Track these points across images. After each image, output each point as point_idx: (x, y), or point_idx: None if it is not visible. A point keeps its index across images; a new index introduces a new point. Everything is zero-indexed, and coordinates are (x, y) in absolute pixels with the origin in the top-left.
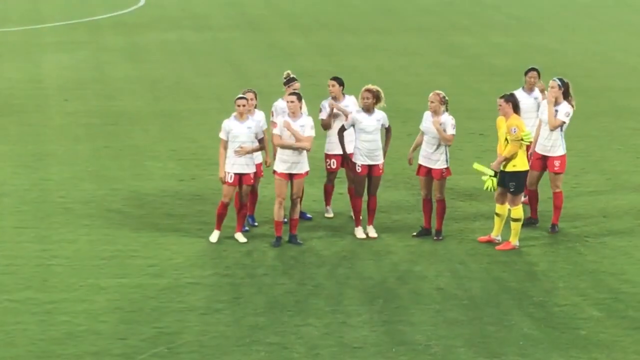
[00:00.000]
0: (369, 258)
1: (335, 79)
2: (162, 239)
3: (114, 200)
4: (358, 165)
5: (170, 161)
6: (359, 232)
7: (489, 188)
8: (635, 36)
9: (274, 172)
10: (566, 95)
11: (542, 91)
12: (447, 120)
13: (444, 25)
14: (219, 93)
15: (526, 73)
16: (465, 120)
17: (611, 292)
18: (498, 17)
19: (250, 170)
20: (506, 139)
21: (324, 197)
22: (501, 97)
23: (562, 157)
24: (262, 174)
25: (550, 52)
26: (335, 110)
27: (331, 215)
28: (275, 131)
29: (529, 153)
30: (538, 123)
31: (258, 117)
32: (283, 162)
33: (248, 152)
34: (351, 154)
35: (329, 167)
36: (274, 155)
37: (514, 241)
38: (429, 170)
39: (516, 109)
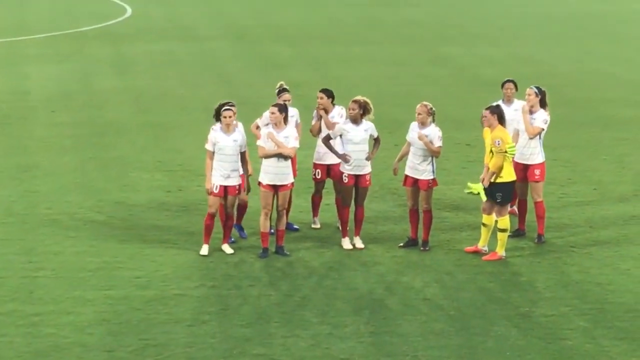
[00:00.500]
0: (356, 269)
1: (324, 91)
2: (148, 250)
3: (100, 211)
4: (345, 175)
5: (157, 172)
6: (346, 243)
7: (471, 192)
8: (622, 46)
9: (259, 183)
10: (543, 104)
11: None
12: (434, 132)
13: (431, 36)
14: (205, 104)
15: (503, 85)
16: (452, 131)
17: (598, 303)
18: (485, 28)
19: (236, 182)
20: (491, 151)
21: (311, 208)
22: (486, 109)
23: (541, 165)
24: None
25: (536, 63)
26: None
27: (318, 226)
28: (259, 142)
29: None
30: (514, 133)
31: (242, 130)
32: (267, 174)
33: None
34: (339, 164)
35: (314, 176)
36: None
37: (501, 252)
38: (415, 181)
39: (501, 120)
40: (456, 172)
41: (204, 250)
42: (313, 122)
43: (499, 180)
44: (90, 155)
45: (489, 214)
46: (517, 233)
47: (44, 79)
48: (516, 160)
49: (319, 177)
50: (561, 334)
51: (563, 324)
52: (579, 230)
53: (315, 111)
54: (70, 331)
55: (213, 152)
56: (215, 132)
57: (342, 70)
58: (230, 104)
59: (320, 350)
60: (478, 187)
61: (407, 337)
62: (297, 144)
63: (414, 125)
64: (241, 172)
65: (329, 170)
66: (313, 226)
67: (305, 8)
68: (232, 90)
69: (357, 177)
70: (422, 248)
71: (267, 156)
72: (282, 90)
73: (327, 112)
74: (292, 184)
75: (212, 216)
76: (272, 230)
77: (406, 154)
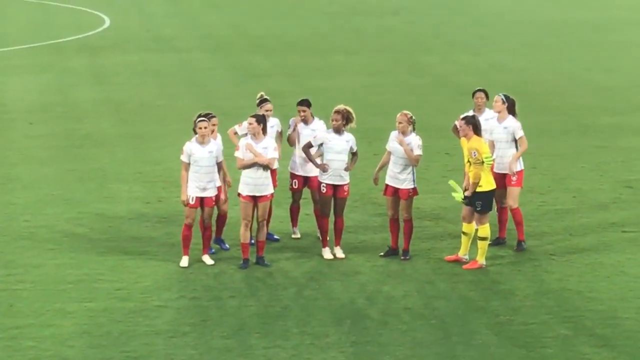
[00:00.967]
0: (337, 279)
1: (304, 103)
2: (128, 262)
3: (80, 223)
4: (323, 185)
5: (137, 184)
6: (326, 253)
7: (453, 190)
8: (600, 54)
9: (239, 194)
10: (512, 111)
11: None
12: (415, 140)
13: (409, 45)
14: (184, 115)
15: (473, 94)
16: (431, 140)
17: (578, 310)
18: (463, 36)
19: (212, 193)
20: (469, 161)
21: (290, 218)
22: (462, 119)
23: (519, 173)
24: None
25: (516, 71)
26: (299, 128)
27: (298, 236)
28: (237, 154)
29: None
30: (489, 143)
31: (219, 141)
32: (247, 185)
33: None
34: (316, 176)
35: (291, 186)
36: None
37: (481, 260)
38: (396, 190)
39: (476, 130)
40: (436, 181)
41: (184, 261)
42: (289, 132)
43: (478, 189)
44: (69, 167)
45: (469, 222)
46: (498, 241)
47: (22, 91)
48: (495, 170)
49: (295, 186)
50: (542, 342)
51: (543, 332)
52: (558, 238)
53: (292, 121)
54: (51, 344)
55: (188, 164)
56: (191, 144)
57: (321, 80)
58: (210, 115)
59: None
60: (456, 187)
61: (388, 346)
62: (276, 155)
63: (394, 135)
64: (218, 183)
65: (306, 180)
66: (293, 236)
67: (283, 18)
68: (210, 101)
69: (335, 188)
70: (402, 257)
71: (245, 167)
72: (263, 101)
73: (307, 123)
74: (272, 194)
75: (189, 227)
76: (252, 241)
77: (386, 163)
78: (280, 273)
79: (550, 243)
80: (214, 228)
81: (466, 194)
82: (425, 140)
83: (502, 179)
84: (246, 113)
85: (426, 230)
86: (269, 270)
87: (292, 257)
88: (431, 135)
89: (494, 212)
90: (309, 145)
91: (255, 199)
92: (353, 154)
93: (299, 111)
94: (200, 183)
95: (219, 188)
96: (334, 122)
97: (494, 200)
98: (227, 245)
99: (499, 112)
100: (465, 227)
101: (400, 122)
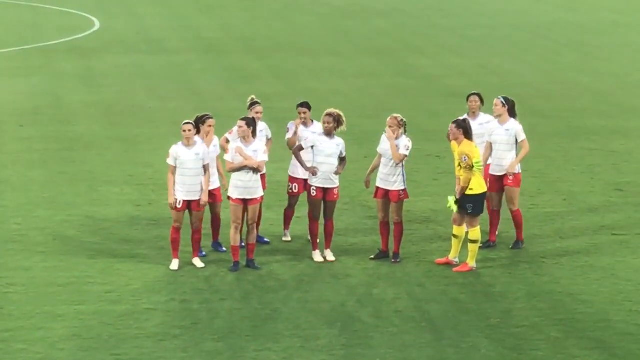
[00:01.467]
0: (327, 281)
1: (305, 105)
2: (119, 265)
3: (70, 226)
4: (313, 189)
5: (127, 186)
6: (317, 256)
7: (450, 207)
8: (589, 56)
9: (229, 197)
10: (512, 114)
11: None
12: (402, 141)
13: (398, 47)
14: (175, 117)
15: (468, 98)
16: (421, 142)
17: (569, 313)
18: (452, 38)
19: (199, 196)
20: (459, 164)
21: (283, 221)
22: (453, 122)
23: (517, 175)
24: (221, 199)
25: (505, 73)
26: (299, 131)
27: (289, 239)
28: (226, 157)
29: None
30: (486, 145)
31: (216, 142)
32: (236, 188)
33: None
34: (307, 179)
35: (290, 190)
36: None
37: (472, 263)
38: (386, 193)
39: (467, 134)
40: (426, 184)
41: (174, 265)
42: (290, 136)
43: (469, 192)
44: (59, 170)
45: (460, 225)
46: (488, 244)
47: (12, 93)
48: (491, 172)
49: (295, 190)
50: (532, 344)
51: (534, 334)
52: (549, 240)
53: (292, 124)
54: (42, 347)
55: (175, 167)
56: (177, 147)
57: (311, 82)
58: (206, 116)
59: None
60: (450, 201)
61: (379, 349)
62: (266, 158)
63: (384, 137)
64: (215, 185)
65: (306, 184)
66: (284, 239)
67: (273, 20)
68: (201, 103)
69: (325, 191)
70: (393, 260)
71: (234, 170)
72: (253, 104)
73: (307, 125)
74: (262, 197)
75: (177, 230)
76: (243, 244)
77: (377, 166)
78: (270, 276)
79: (541, 246)
80: (210, 231)
81: (456, 195)
82: (415, 142)
83: (499, 181)
84: (236, 115)
85: (417, 233)
86: (260, 273)
87: (283, 260)
88: (421, 137)
89: (484, 215)
90: (299, 148)
91: (245, 202)
92: (341, 159)
93: (300, 113)
94: (186, 186)
95: (217, 190)
96: (326, 125)
97: (485, 203)
98: (224, 248)
99: (499, 115)
100: (455, 229)
101: (390, 126)
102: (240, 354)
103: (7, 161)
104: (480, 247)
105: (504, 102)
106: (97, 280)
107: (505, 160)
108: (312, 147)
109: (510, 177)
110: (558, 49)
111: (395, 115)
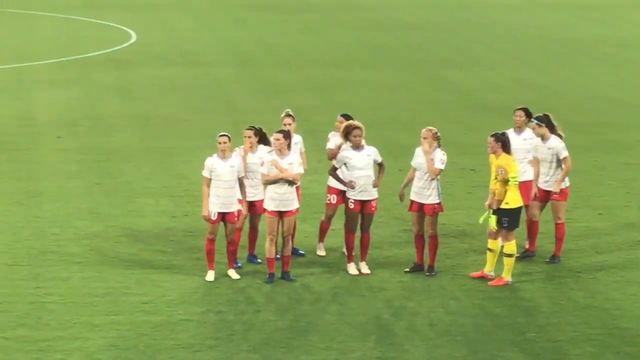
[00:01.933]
0: (363, 294)
1: (344, 116)
2: (155, 275)
3: (107, 237)
4: (351, 201)
5: (163, 198)
6: (352, 269)
7: (484, 221)
8: (624, 70)
9: (264, 210)
10: (552, 129)
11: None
12: (437, 154)
13: (433, 60)
14: (210, 129)
15: (514, 112)
16: (456, 156)
17: (605, 328)
18: (487, 52)
19: (234, 208)
20: (496, 177)
21: (318, 233)
22: (491, 136)
23: (565, 189)
24: (262, 211)
25: (539, 88)
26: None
27: (324, 253)
28: (261, 169)
29: (532, 192)
30: (534, 161)
31: (260, 154)
32: (272, 200)
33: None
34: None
35: (328, 201)
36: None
37: (507, 277)
38: (421, 206)
39: (505, 147)
40: (461, 197)
41: (210, 276)
42: (329, 145)
43: (505, 206)
44: (96, 181)
45: (495, 239)
46: (527, 254)
47: (50, 105)
48: (538, 185)
49: (334, 202)
50: (568, 359)
51: (570, 349)
52: (585, 255)
53: (333, 134)
54: (79, 357)
55: (210, 179)
56: (212, 159)
57: (345, 96)
58: (253, 128)
59: None
60: (492, 220)
61: None
62: (302, 170)
63: (419, 151)
64: (239, 197)
65: (344, 195)
66: (318, 252)
67: (307, 34)
68: (235, 116)
69: (362, 203)
70: (427, 273)
71: (270, 182)
72: (285, 116)
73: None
74: (297, 209)
75: (212, 242)
76: (278, 256)
77: (412, 179)
78: (305, 288)
79: (577, 260)
80: (245, 243)
81: (488, 207)
82: (450, 156)
83: (546, 193)
84: (271, 128)
85: (451, 246)
86: (294, 285)
87: (318, 272)
88: (455, 151)
89: (521, 228)
90: (334, 169)
91: (280, 214)
92: (379, 165)
93: (337, 121)
94: (221, 198)
95: (240, 201)
96: (355, 139)
97: (520, 217)
98: (259, 260)
99: (540, 135)
100: (490, 243)
101: (425, 138)
102: None
103: (46, 172)
104: (518, 257)
105: (538, 122)
106: (134, 291)
107: (549, 177)
108: (345, 164)
109: (556, 194)
110: (593, 63)
111: (430, 127)
